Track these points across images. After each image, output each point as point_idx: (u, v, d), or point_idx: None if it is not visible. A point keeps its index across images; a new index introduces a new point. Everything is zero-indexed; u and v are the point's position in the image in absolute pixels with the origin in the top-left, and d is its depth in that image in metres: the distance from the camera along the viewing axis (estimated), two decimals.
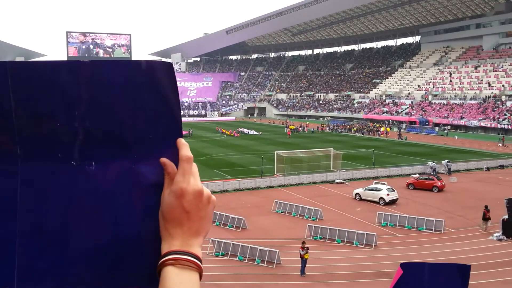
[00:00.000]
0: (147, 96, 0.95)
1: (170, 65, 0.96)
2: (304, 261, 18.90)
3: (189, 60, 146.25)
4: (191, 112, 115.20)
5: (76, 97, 0.93)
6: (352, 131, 77.06)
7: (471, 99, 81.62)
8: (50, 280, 0.94)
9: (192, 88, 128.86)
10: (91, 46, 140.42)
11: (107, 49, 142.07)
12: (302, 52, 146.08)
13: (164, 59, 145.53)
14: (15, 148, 0.94)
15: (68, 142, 0.94)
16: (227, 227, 25.23)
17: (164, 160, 0.96)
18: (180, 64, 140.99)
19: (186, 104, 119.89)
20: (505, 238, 22.94)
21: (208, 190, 0.99)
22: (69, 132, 0.94)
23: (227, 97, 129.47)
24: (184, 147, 0.98)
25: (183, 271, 0.92)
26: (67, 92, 0.93)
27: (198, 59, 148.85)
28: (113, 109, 0.94)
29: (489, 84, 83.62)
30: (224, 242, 21.34)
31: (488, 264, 19.49)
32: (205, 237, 0.99)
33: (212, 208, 0.99)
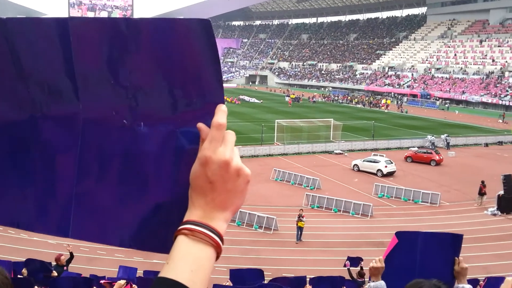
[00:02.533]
0: (189, 57, 0.93)
1: (208, 23, 0.91)
2: (298, 228, 19.28)
3: None
4: None
5: (127, 56, 0.94)
6: (353, 102, 76.91)
7: (474, 74, 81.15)
8: (91, 229, 1.05)
9: None
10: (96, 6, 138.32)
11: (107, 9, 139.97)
12: (306, 20, 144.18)
13: None
14: (78, 105, 1.01)
15: (121, 101, 0.99)
16: None
17: (200, 125, 0.94)
18: None
19: None
20: (500, 213, 23.33)
21: (240, 162, 0.93)
22: (121, 91, 0.97)
23: (229, 63, 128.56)
24: (219, 113, 0.93)
25: (195, 243, 0.87)
26: (119, 51, 0.94)
27: None
28: (162, 71, 0.94)
29: (493, 60, 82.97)
30: None
31: (481, 237, 19.88)
32: (234, 213, 0.95)
33: (243, 183, 0.93)
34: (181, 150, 0.97)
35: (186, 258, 0.85)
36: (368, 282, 3.13)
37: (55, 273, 10.34)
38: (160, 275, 0.84)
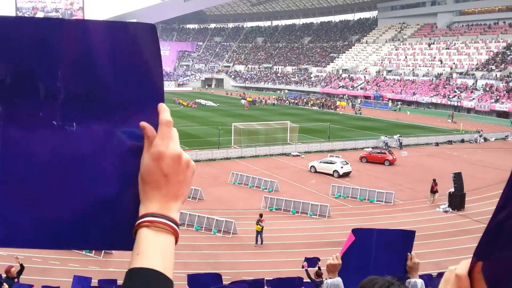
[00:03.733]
0: (131, 59, 0.95)
1: (153, 27, 0.95)
2: (256, 232, 19.28)
3: None
4: None
5: (58, 56, 0.93)
6: (309, 104, 77.93)
7: (423, 75, 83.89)
8: (25, 235, 0.97)
9: None
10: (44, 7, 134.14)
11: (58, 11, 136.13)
12: (261, 23, 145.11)
13: None
14: None
15: (50, 101, 0.95)
16: None
17: (144, 124, 0.97)
18: None
19: None
20: (451, 210, 24.15)
21: (187, 155, 1.00)
22: (50, 91, 0.94)
23: (184, 67, 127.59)
24: (165, 112, 0.98)
25: (158, 234, 0.93)
26: (49, 50, 0.92)
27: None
28: (96, 71, 0.95)
29: (441, 62, 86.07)
30: (181, 212, 21.28)
31: (434, 234, 20.53)
32: (184, 202, 1.01)
33: (191, 173, 1.00)
34: (124, 149, 0.98)
35: (155, 248, 0.91)
36: (325, 279, 3.15)
37: (5, 286, 9.91)
38: (133, 266, 0.89)
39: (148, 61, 0.96)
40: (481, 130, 47.77)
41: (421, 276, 3.12)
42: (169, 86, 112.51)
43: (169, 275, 0.90)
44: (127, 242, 0.96)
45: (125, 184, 0.99)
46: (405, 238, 3.16)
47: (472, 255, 0.79)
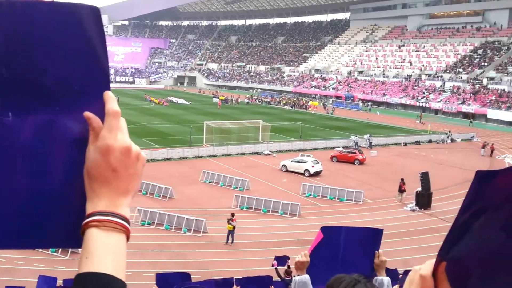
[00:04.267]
0: (71, 42, 0.88)
1: (96, 10, 0.88)
2: (229, 232, 19.26)
3: (116, 23, 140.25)
4: (118, 79, 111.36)
5: None
6: (282, 104, 78.25)
7: (393, 77, 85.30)
8: None
9: (119, 53, 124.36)
10: None
11: None
12: (235, 22, 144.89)
13: None
14: None
15: None
16: (154, 197, 25.06)
17: (88, 114, 0.90)
18: (106, 27, 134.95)
19: (113, 69, 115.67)
20: (418, 209, 24.64)
21: (137, 147, 0.94)
22: None
23: (157, 64, 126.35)
24: (112, 101, 0.91)
25: (108, 234, 0.87)
26: None
27: (126, 22, 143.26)
28: (33, 56, 0.87)
29: (411, 64, 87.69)
30: (150, 211, 21.22)
31: (401, 232, 20.92)
32: (134, 196, 0.96)
33: (141, 166, 0.94)
34: (68, 140, 0.91)
35: (105, 250, 0.85)
36: (294, 277, 3.18)
37: None
38: (83, 270, 0.83)
39: (91, 46, 0.89)
40: (449, 131, 48.89)
41: (388, 272, 3.18)
42: (140, 83, 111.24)
43: (121, 278, 0.84)
44: (75, 240, 0.90)
45: (70, 179, 0.92)
46: (373, 236, 3.22)
47: (436, 255, 0.85)
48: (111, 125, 0.89)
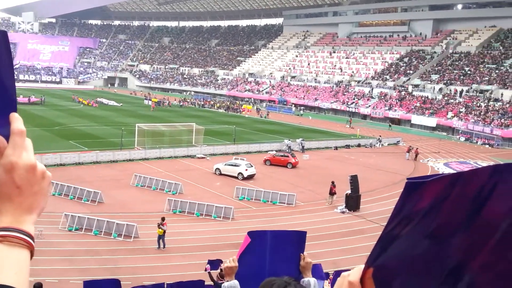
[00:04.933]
0: None
1: (4, 33, 0.91)
2: (159, 237, 18.91)
3: (43, 21, 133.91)
4: (44, 78, 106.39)
5: None
6: (215, 107, 78.11)
7: (325, 82, 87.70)
8: None
9: (45, 52, 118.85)
10: None
11: None
12: (168, 23, 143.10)
13: (14, 17, 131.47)
14: None
15: None
16: (82, 201, 24.12)
17: None
18: (32, 24, 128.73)
19: (37, 69, 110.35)
20: (348, 211, 25.42)
21: (43, 165, 0.95)
22: None
23: (86, 64, 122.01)
24: (17, 121, 0.93)
25: (11, 248, 0.89)
26: None
27: (53, 20, 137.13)
28: None
29: (341, 70, 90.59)
30: (78, 216, 20.39)
31: (331, 234, 21.50)
32: (40, 214, 0.95)
33: (47, 184, 0.96)
34: None
35: (8, 263, 0.87)
36: (222, 283, 3.16)
37: None
38: None
39: None
40: (380, 136, 50.93)
41: (313, 269, 3.24)
42: (68, 84, 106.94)
43: None
44: None
45: None
46: (297, 239, 3.26)
47: (366, 255, 0.89)
48: (16, 143, 0.91)
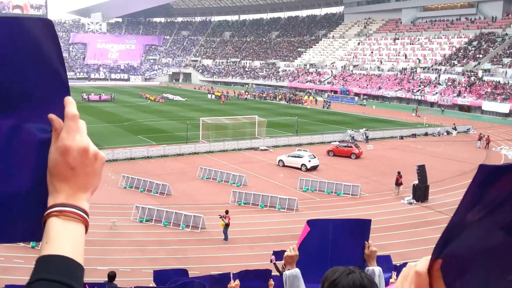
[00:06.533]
0: (28, 53, 0.96)
1: (49, 22, 0.97)
2: (224, 228, 19.22)
3: (110, 21, 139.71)
4: (113, 76, 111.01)
5: None
6: (277, 99, 78.23)
7: (388, 70, 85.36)
8: None
9: (113, 51, 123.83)
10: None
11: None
12: (229, 18, 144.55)
13: (83, 18, 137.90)
14: None
15: None
16: (152, 193, 25.06)
17: (51, 116, 0.99)
18: (100, 25, 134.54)
19: (107, 67, 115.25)
20: (415, 202, 24.71)
21: (95, 147, 1.02)
22: None
23: (151, 61, 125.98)
24: (70, 105, 1.00)
25: (67, 222, 0.95)
26: None
27: (120, 20, 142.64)
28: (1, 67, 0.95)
29: (406, 57, 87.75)
30: (148, 208, 21.22)
31: (398, 225, 21.01)
32: (93, 192, 1.03)
33: (100, 165, 1.02)
34: (32, 142, 1.00)
35: (64, 236, 0.93)
36: (284, 271, 3.21)
37: None
38: (44, 253, 0.91)
39: (47, 56, 0.97)
40: (454, 124, 48.98)
41: (381, 260, 3.22)
42: (135, 81, 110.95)
43: (79, 261, 0.92)
44: (39, 233, 0.97)
45: (35, 177, 1.00)
46: (361, 227, 3.24)
47: (432, 251, 0.85)
48: (69, 127, 0.98)
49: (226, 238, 19.25)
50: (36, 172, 1.00)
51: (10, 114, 0.98)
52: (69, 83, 1.03)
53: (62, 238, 0.93)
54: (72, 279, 0.88)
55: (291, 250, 3.14)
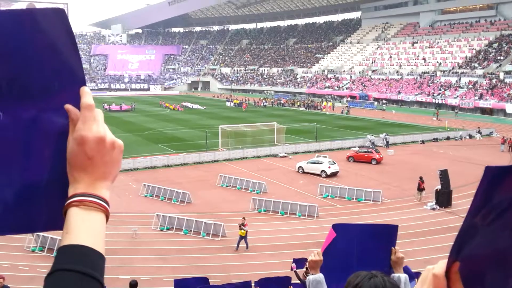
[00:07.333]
0: (43, 44, 0.96)
1: (62, 11, 0.97)
2: (240, 237, 18.96)
3: (130, 32, 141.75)
4: (133, 86, 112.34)
5: None
6: (296, 105, 78.11)
7: (408, 74, 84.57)
8: None
9: (133, 61, 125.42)
10: None
11: None
12: (246, 26, 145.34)
13: (104, 30, 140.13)
14: None
15: None
16: (172, 202, 25.18)
17: (68, 106, 1.00)
18: (121, 36, 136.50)
19: (127, 77, 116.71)
20: (438, 207, 24.32)
21: (113, 136, 1.02)
22: None
23: (171, 70, 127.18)
24: (86, 95, 1.00)
25: (86, 212, 0.96)
26: None
27: (139, 31, 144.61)
28: (11, 59, 0.96)
29: (425, 60, 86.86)
30: (169, 216, 21.32)
31: (422, 232, 20.67)
32: (113, 181, 1.03)
33: (118, 153, 1.02)
34: (51, 133, 1.01)
35: (85, 225, 0.94)
36: (308, 276, 3.16)
37: None
38: (64, 243, 0.92)
39: (60, 46, 0.98)
40: (479, 127, 48.21)
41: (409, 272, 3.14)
42: (155, 90, 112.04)
43: (100, 251, 0.93)
44: (60, 223, 0.98)
45: (54, 167, 1.01)
46: (388, 233, 3.16)
47: (448, 254, 0.85)
48: (86, 117, 0.98)
49: (246, 247, 19.15)
50: (56, 163, 1.01)
51: (29, 106, 0.99)
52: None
53: (82, 227, 0.94)
54: (92, 269, 0.89)
55: (316, 255, 3.10)
